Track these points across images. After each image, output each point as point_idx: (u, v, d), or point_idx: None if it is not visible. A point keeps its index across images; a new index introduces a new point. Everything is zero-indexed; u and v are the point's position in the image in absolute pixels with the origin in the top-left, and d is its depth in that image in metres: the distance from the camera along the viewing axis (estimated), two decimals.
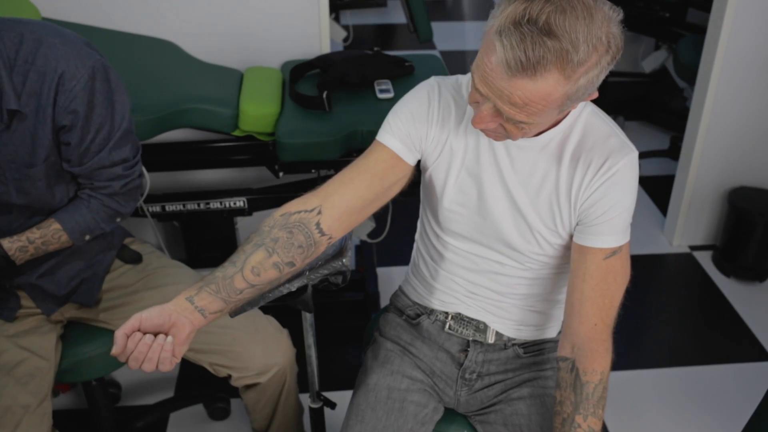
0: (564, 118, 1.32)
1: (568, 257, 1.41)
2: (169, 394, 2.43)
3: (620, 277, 1.38)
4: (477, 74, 1.15)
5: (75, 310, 1.79)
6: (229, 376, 1.81)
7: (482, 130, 1.26)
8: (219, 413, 2.33)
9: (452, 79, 1.42)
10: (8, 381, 1.59)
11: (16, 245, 1.59)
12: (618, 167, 1.30)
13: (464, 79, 1.41)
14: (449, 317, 1.55)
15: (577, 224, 1.36)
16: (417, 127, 1.38)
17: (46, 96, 1.50)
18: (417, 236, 1.61)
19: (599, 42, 1.09)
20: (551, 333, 1.57)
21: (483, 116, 1.19)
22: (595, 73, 1.12)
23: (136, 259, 1.85)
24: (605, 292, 1.36)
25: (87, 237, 1.68)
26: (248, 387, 1.84)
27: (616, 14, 1.13)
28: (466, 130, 1.37)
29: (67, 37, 1.53)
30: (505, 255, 1.44)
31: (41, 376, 1.64)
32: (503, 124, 1.19)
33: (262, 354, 1.77)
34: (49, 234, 1.62)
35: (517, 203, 1.37)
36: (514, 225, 1.39)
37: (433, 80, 1.41)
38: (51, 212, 1.63)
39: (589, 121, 1.33)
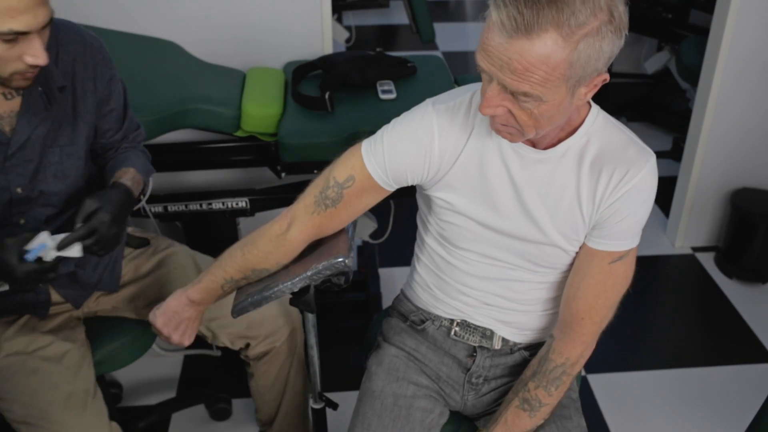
0: (580, 125, 1.30)
1: None
2: (171, 394, 2.43)
3: (620, 281, 1.38)
4: (479, 52, 1.14)
5: (92, 303, 1.80)
6: (247, 346, 1.85)
7: (496, 130, 1.24)
8: (221, 413, 2.33)
9: (450, 97, 1.38)
10: (61, 369, 1.60)
11: (129, 183, 1.63)
12: (639, 177, 1.29)
13: (468, 93, 1.37)
14: (455, 324, 1.53)
15: (591, 229, 1.36)
16: (409, 166, 1.35)
17: (82, 70, 1.57)
18: (417, 247, 1.58)
19: (599, 8, 1.08)
20: None
21: (489, 98, 1.16)
22: (597, 42, 1.09)
23: (144, 243, 1.89)
24: (601, 294, 1.38)
25: (149, 179, 1.83)
26: (260, 358, 1.87)
27: None
28: (473, 152, 1.34)
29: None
30: (519, 266, 1.43)
31: (87, 365, 1.66)
32: (513, 111, 1.16)
33: (273, 316, 1.83)
34: (131, 175, 1.66)
35: (534, 217, 1.35)
36: (531, 238, 1.37)
37: (430, 108, 1.36)
38: (78, 201, 1.62)
39: (605, 130, 1.32)
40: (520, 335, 1.52)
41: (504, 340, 1.52)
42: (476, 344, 1.53)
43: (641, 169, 1.29)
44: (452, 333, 1.53)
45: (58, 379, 1.59)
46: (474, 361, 1.53)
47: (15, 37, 1.34)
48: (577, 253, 1.40)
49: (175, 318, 1.50)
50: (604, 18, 1.08)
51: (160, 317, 1.50)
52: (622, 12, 1.11)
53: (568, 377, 1.44)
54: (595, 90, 1.18)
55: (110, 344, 1.77)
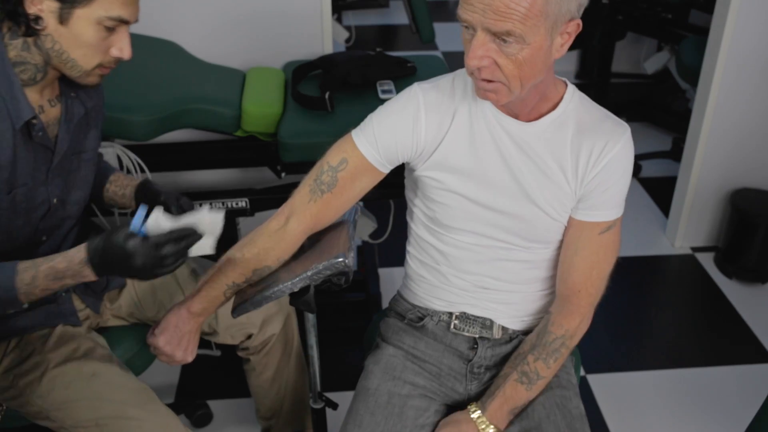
0: (559, 102, 1.38)
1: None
2: (170, 397, 2.43)
3: (611, 251, 1.45)
4: (461, 7, 1.21)
5: (103, 309, 1.79)
6: (248, 338, 1.85)
7: (481, 92, 1.29)
8: (203, 419, 2.32)
9: (433, 80, 1.44)
10: (116, 369, 1.59)
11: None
12: (618, 147, 1.37)
13: (449, 76, 1.44)
14: (454, 317, 1.55)
15: (578, 201, 1.41)
16: (399, 141, 1.40)
17: None
18: (409, 243, 1.60)
19: None
20: None
21: (475, 48, 1.22)
22: None
23: None
24: (594, 265, 1.44)
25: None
26: (261, 349, 1.88)
27: None
28: (460, 128, 1.40)
29: None
30: (510, 243, 1.45)
31: (116, 358, 1.65)
32: (498, 61, 1.22)
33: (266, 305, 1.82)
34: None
35: (526, 189, 1.40)
36: (523, 212, 1.41)
37: (416, 87, 1.43)
38: (85, 209, 1.67)
39: (582, 106, 1.40)
40: (518, 322, 1.54)
41: (503, 328, 1.54)
42: (476, 335, 1.54)
43: (619, 140, 1.38)
44: (452, 326, 1.55)
45: (120, 378, 1.57)
46: (476, 353, 1.55)
47: (114, 26, 1.38)
48: (566, 228, 1.44)
49: (177, 333, 1.46)
50: None
51: (161, 336, 1.46)
52: None
53: (567, 349, 1.48)
54: (570, 40, 1.26)
55: (125, 353, 1.76)
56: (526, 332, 1.56)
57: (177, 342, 1.47)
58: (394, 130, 1.40)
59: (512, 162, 1.39)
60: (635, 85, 4.50)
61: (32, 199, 1.48)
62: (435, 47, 5.34)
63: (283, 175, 2.28)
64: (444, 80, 1.43)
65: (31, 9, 1.33)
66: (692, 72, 3.31)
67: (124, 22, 1.39)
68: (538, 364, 1.46)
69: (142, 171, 2.18)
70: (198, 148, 2.36)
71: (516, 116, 1.38)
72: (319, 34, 2.55)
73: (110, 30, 1.38)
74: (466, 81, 1.40)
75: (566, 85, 1.41)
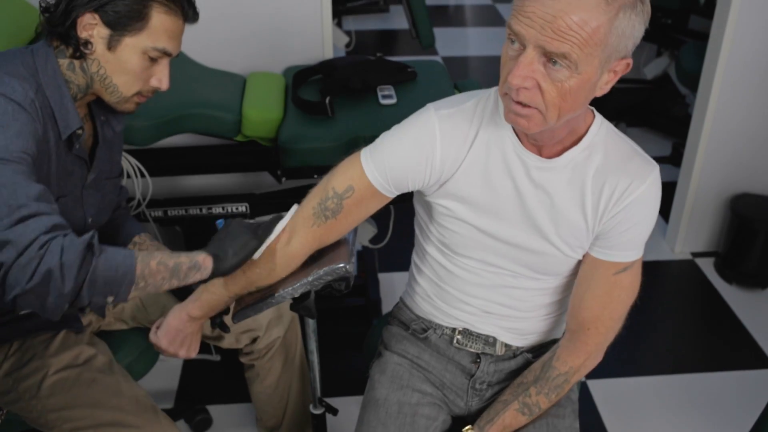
0: (584, 135, 1.30)
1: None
2: (170, 402, 2.43)
3: (626, 292, 1.38)
4: (515, 18, 1.12)
5: (100, 320, 1.79)
6: (253, 341, 1.85)
7: (513, 115, 1.19)
8: (202, 425, 2.31)
9: (454, 102, 1.36)
10: (117, 378, 1.59)
11: None
12: (642, 189, 1.30)
13: (474, 99, 1.35)
14: (457, 332, 1.52)
15: (595, 239, 1.35)
16: (411, 172, 1.34)
17: None
18: (416, 255, 1.57)
19: None
20: (558, 334, 1.57)
21: (522, 65, 1.12)
22: (633, 17, 1.12)
23: None
24: (606, 305, 1.37)
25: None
26: (266, 354, 1.88)
27: None
28: (476, 159, 1.33)
29: None
30: (520, 274, 1.42)
31: (128, 374, 1.66)
32: (542, 85, 1.13)
33: (270, 309, 1.81)
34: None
35: (538, 225, 1.34)
36: (534, 246, 1.37)
37: (432, 113, 1.34)
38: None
39: (608, 140, 1.32)
40: (521, 339, 1.52)
41: (507, 345, 1.52)
42: (479, 351, 1.52)
43: (644, 180, 1.30)
44: (454, 341, 1.52)
45: (118, 386, 1.58)
46: (478, 368, 1.53)
47: (158, 57, 1.44)
48: (580, 261, 1.39)
49: (179, 336, 1.50)
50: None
51: (163, 338, 1.51)
52: (647, 1, 1.16)
53: (569, 384, 1.45)
54: (615, 79, 1.20)
55: (126, 358, 1.75)
56: (531, 349, 1.54)
57: (180, 343, 1.52)
58: (406, 161, 1.33)
59: (527, 197, 1.33)
60: (635, 90, 4.50)
61: (71, 213, 1.51)
62: (435, 52, 5.34)
63: (283, 180, 2.28)
64: (468, 104, 1.34)
65: (83, 33, 1.39)
66: (692, 77, 3.31)
67: (167, 54, 1.46)
68: (540, 398, 1.44)
69: (143, 176, 2.18)
70: (198, 152, 2.36)
71: (539, 148, 1.30)
72: (320, 39, 2.55)
73: (153, 60, 1.45)
74: (491, 106, 1.33)
75: (594, 115, 1.33)
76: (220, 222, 1.40)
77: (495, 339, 1.51)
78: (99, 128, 1.57)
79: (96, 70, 1.43)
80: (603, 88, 1.20)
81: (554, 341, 1.55)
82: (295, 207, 1.40)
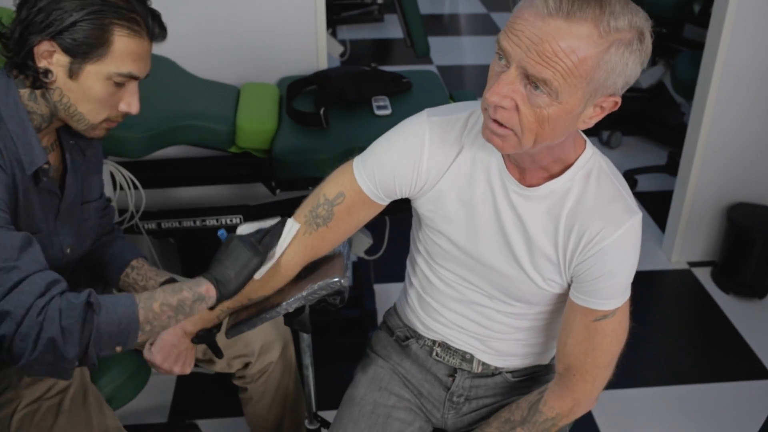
0: (573, 163, 1.25)
1: (562, 303, 1.37)
2: (164, 415, 2.40)
3: (608, 340, 1.32)
4: (504, 33, 1.09)
5: None
6: (245, 366, 1.81)
7: (488, 133, 1.16)
8: None
9: (447, 110, 1.35)
10: (89, 409, 1.54)
11: None
12: (615, 237, 1.22)
13: (467, 110, 1.34)
14: (436, 344, 1.51)
15: (572, 279, 1.31)
16: (398, 177, 1.32)
17: None
18: (408, 261, 1.57)
19: (634, 24, 1.07)
20: (543, 360, 1.54)
21: (501, 84, 1.09)
22: (626, 54, 1.08)
23: None
24: (588, 352, 1.32)
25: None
26: (258, 378, 1.84)
27: (649, 23, 1.10)
28: (460, 170, 1.31)
29: None
30: (494, 297, 1.39)
31: (106, 404, 1.61)
32: (520, 107, 1.10)
33: (265, 330, 1.80)
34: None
35: (513, 249, 1.31)
36: (507, 271, 1.34)
37: (424, 119, 1.33)
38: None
39: (593, 177, 1.26)
40: (500, 360, 1.49)
41: (484, 364, 1.50)
42: (457, 366, 1.51)
43: (618, 228, 1.22)
44: (434, 353, 1.52)
45: (88, 418, 1.53)
46: (454, 381, 1.52)
47: (124, 81, 1.36)
48: (561, 294, 1.35)
49: (174, 351, 1.47)
50: (636, 34, 1.08)
51: (158, 354, 1.46)
52: (648, 41, 1.10)
53: (556, 428, 1.40)
54: (601, 116, 1.16)
55: (113, 382, 1.70)
56: (513, 370, 1.51)
57: (174, 359, 1.48)
58: (394, 166, 1.32)
59: (505, 220, 1.30)
60: (630, 98, 4.47)
61: (46, 248, 1.43)
62: (430, 61, 5.34)
63: (277, 191, 2.27)
64: (462, 115, 1.33)
65: (41, 62, 1.32)
66: (687, 86, 3.31)
67: (134, 77, 1.38)
68: None
69: (136, 188, 2.16)
70: (192, 164, 2.35)
71: (522, 173, 1.27)
72: (314, 50, 2.54)
73: (119, 85, 1.37)
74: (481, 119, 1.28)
75: (585, 147, 1.27)
76: (221, 232, 1.37)
77: (472, 356, 1.49)
78: (67, 154, 1.50)
79: (59, 99, 1.35)
80: (587, 122, 1.16)
81: (540, 367, 1.54)
82: (292, 223, 1.36)
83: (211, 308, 1.34)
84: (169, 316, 1.28)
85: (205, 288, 1.30)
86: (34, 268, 1.20)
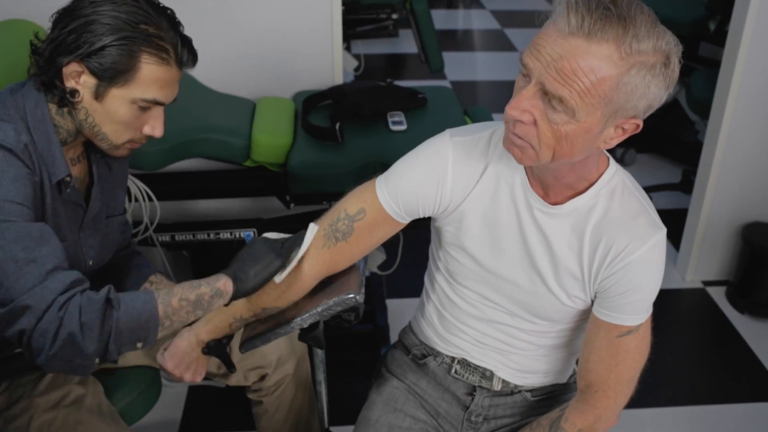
0: (595, 182, 1.26)
1: (584, 320, 1.37)
2: (174, 427, 2.40)
3: (632, 356, 1.33)
4: (527, 50, 1.11)
5: None
6: (262, 378, 1.80)
7: (508, 143, 1.18)
8: None
9: (470, 130, 1.35)
10: (105, 420, 1.53)
11: None
12: (641, 252, 1.23)
13: (490, 129, 1.34)
14: (455, 362, 1.51)
15: (596, 295, 1.32)
16: (422, 197, 1.33)
17: None
18: (427, 281, 1.56)
19: (660, 48, 1.07)
20: (562, 379, 1.53)
21: (521, 98, 1.10)
22: (648, 77, 1.07)
23: None
24: (612, 368, 1.32)
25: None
26: (274, 391, 1.83)
27: (678, 48, 1.10)
28: (484, 190, 1.32)
29: None
30: (516, 315, 1.39)
31: (118, 416, 1.60)
32: (538, 122, 1.11)
33: (279, 343, 1.78)
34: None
35: (538, 266, 1.32)
36: (531, 288, 1.34)
37: (447, 139, 1.33)
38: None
39: (617, 193, 1.27)
40: (521, 378, 1.49)
41: (504, 382, 1.49)
42: (476, 384, 1.50)
43: (644, 243, 1.23)
44: (453, 371, 1.51)
45: (105, 428, 1.53)
46: (473, 400, 1.51)
47: (149, 106, 1.38)
48: (584, 311, 1.36)
49: (186, 359, 1.47)
50: (661, 59, 1.08)
51: (170, 360, 1.47)
52: (675, 65, 1.10)
53: None
54: (623, 137, 1.16)
55: (124, 398, 1.69)
56: (532, 389, 1.51)
57: (186, 366, 1.48)
58: (417, 185, 1.32)
59: (529, 237, 1.30)
60: None
61: (70, 258, 1.45)
62: (444, 76, 5.35)
63: (291, 205, 2.27)
64: (484, 134, 1.33)
65: (69, 83, 1.34)
66: (703, 104, 3.30)
67: (159, 103, 1.40)
68: None
69: (150, 200, 2.17)
70: (207, 177, 2.35)
71: (546, 190, 1.28)
72: (330, 65, 2.55)
73: (144, 109, 1.39)
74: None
75: (608, 164, 1.28)
76: (247, 234, 1.39)
77: (492, 373, 1.48)
78: (94, 166, 1.52)
79: (84, 118, 1.38)
80: (608, 143, 1.16)
81: (558, 386, 1.53)
82: (313, 227, 1.37)
83: (226, 305, 1.35)
84: (187, 311, 1.30)
85: (222, 282, 1.32)
86: (52, 263, 1.22)
